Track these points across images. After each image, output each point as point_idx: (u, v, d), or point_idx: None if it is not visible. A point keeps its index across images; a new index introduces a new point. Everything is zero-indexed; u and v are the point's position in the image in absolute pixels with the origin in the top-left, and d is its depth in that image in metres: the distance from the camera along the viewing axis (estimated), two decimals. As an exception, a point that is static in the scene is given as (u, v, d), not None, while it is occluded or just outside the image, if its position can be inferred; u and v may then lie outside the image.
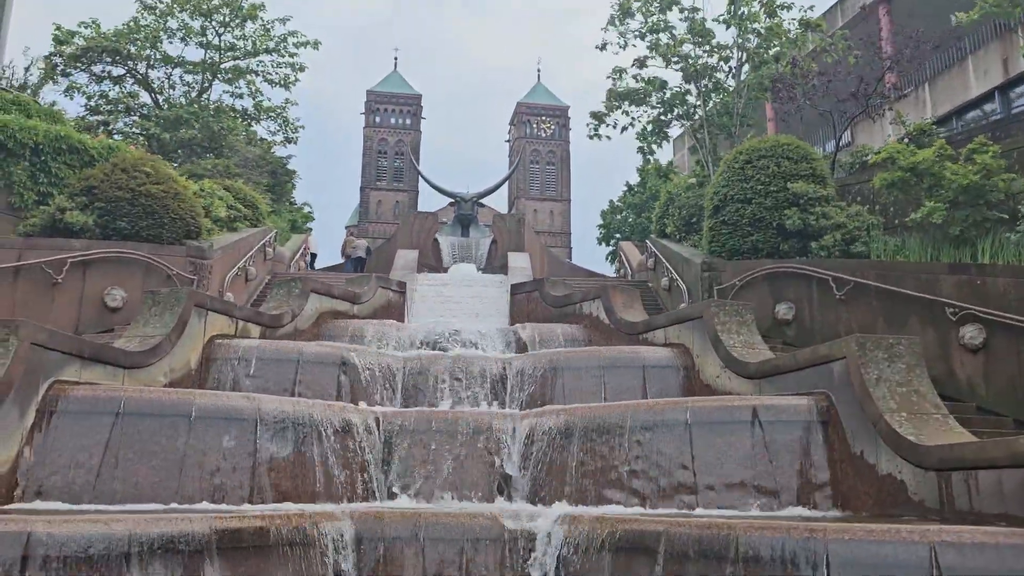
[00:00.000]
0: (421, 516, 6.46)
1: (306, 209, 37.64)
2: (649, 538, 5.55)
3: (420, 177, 48.21)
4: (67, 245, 13.57)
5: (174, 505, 6.97)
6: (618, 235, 47.98)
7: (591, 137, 28.08)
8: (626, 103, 26.87)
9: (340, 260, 32.63)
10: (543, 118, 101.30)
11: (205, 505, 7.04)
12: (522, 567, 6.25)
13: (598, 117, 27.70)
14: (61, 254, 13.16)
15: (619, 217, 50.87)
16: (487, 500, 8.05)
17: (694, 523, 5.44)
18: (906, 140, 16.20)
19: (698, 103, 25.80)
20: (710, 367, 10.42)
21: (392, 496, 8.07)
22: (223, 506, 7.07)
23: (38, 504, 6.78)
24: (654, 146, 27.89)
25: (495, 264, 24.94)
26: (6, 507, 6.60)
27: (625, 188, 50.95)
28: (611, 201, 52.64)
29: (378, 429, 8.28)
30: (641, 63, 25.94)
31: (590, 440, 8.02)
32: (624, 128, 27.69)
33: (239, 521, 5.54)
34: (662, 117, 26.76)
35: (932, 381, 7.75)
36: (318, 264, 30.62)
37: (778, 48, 24.37)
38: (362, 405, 9.27)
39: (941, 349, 10.86)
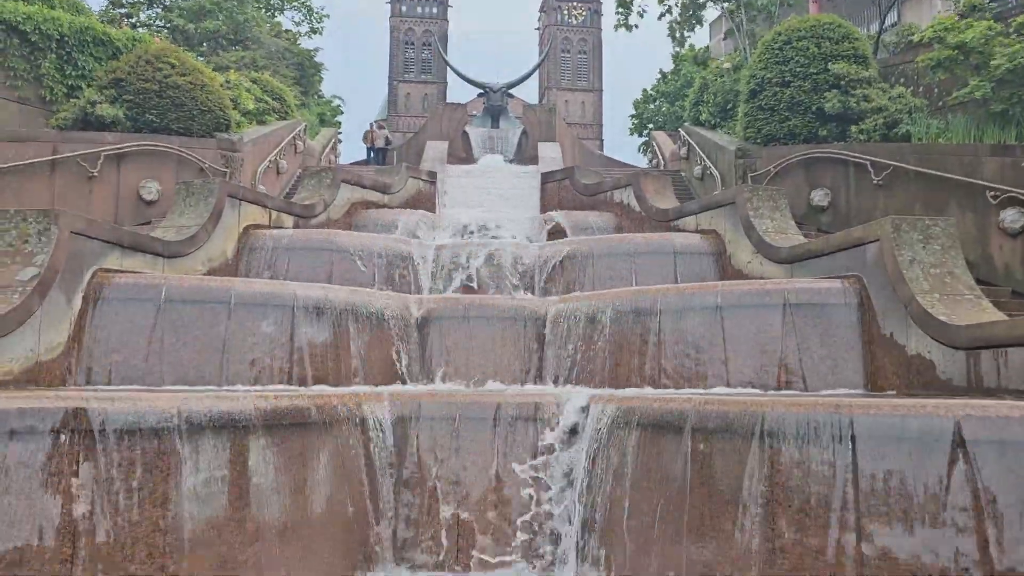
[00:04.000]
0: (458, 395, 6.69)
1: (335, 102, 37.15)
2: (676, 416, 5.67)
3: (448, 68, 47.12)
4: (100, 138, 13.64)
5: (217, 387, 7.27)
6: (651, 125, 46.58)
7: (617, 28, 26.99)
8: None
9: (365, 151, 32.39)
10: (574, 4, 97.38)
11: (247, 387, 7.33)
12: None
13: (625, 3, 26.55)
14: (95, 147, 13.26)
15: (652, 106, 49.33)
16: (521, 383, 8.28)
17: (721, 401, 5.53)
18: (957, 16, 15.37)
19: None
20: (742, 253, 10.37)
21: (429, 380, 8.32)
22: (265, 387, 7.36)
23: (89, 387, 7.10)
24: (687, 31, 26.79)
25: (525, 155, 24.63)
26: (62, 388, 6.93)
27: (659, 76, 49.15)
28: (644, 90, 50.80)
29: (413, 315, 8.46)
30: None
31: (621, 324, 8.13)
32: (660, 15, 26.55)
33: (280, 401, 5.80)
34: (696, -1, 25.59)
35: (969, 266, 7.66)
36: (344, 159, 30.36)
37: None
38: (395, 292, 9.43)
39: (979, 233, 10.65)
